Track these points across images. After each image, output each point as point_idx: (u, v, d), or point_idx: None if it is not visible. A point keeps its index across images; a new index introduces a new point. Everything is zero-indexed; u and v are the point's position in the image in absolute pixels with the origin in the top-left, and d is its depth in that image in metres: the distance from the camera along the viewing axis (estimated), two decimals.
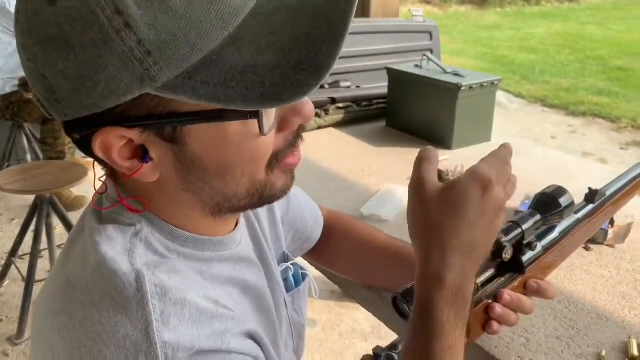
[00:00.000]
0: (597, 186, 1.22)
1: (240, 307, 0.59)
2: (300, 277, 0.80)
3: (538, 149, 1.64)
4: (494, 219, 0.56)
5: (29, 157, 3.46)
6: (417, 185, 0.57)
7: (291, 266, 0.79)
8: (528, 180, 1.38)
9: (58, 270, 0.56)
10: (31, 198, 2.48)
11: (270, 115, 0.50)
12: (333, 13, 0.45)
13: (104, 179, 0.58)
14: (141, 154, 0.50)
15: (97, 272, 0.49)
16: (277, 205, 0.81)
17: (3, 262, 2.58)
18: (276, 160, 0.55)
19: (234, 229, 0.63)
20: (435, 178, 0.57)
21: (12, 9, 2.97)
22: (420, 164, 0.58)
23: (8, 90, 3.06)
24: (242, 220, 0.66)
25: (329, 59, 0.44)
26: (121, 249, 0.51)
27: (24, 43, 0.47)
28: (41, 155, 3.32)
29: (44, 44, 0.45)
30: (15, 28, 0.48)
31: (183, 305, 0.48)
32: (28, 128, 3.39)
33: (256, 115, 0.48)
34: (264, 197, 0.57)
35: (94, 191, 0.58)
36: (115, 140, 0.49)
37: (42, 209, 2.38)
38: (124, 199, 0.55)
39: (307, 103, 0.53)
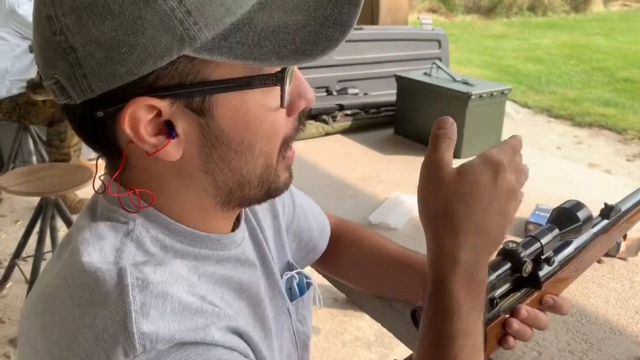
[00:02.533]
0: (607, 198, 1.21)
1: (231, 309, 0.58)
2: (305, 286, 0.79)
3: (545, 159, 1.63)
4: (506, 203, 0.55)
5: (34, 159, 3.46)
6: (433, 167, 0.56)
7: (296, 275, 0.78)
8: (537, 191, 1.37)
9: (46, 273, 0.55)
10: (36, 200, 2.48)
11: (287, 91, 0.52)
12: None
13: (103, 177, 0.56)
14: (167, 130, 0.50)
15: (81, 270, 0.49)
16: (282, 213, 0.80)
17: (6, 264, 2.58)
18: (286, 145, 0.56)
19: (234, 231, 0.62)
20: (451, 160, 0.56)
21: (21, 11, 2.99)
22: (437, 142, 0.56)
23: (15, 92, 3.07)
24: (243, 225, 0.65)
25: (352, 15, 0.48)
26: (109, 247, 0.50)
27: (52, 14, 0.45)
28: (47, 158, 3.32)
29: (79, 11, 0.44)
30: (39, 1, 0.47)
31: (165, 298, 0.47)
32: (34, 130, 3.39)
33: (281, 81, 0.50)
34: (271, 188, 0.57)
35: (94, 191, 0.57)
36: (143, 113, 0.48)
37: (46, 211, 2.38)
38: (129, 192, 0.53)
39: (309, 87, 0.56)
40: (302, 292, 0.78)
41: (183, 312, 0.48)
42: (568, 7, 12.32)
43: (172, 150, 0.50)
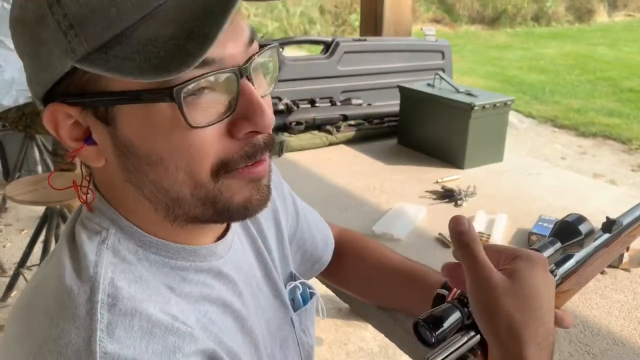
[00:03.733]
0: (611, 209, 1.21)
1: (214, 325, 0.57)
2: (308, 296, 0.79)
3: (550, 170, 1.63)
4: (553, 297, 0.57)
5: (40, 168, 3.48)
6: (482, 282, 0.54)
7: (299, 285, 0.78)
8: (540, 202, 1.38)
9: (31, 280, 0.57)
10: (41, 209, 2.49)
11: (207, 108, 0.49)
12: None
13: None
14: (85, 137, 0.53)
15: (58, 280, 0.50)
16: (285, 224, 0.80)
17: (11, 273, 2.59)
18: (225, 168, 0.52)
19: (216, 241, 0.61)
20: (490, 262, 0.55)
21: None
22: (470, 252, 0.55)
23: (21, 101, 3.09)
24: (229, 237, 0.63)
25: (215, 28, 0.44)
26: (86, 260, 0.51)
27: (11, 31, 0.53)
28: (52, 167, 3.34)
29: (14, 27, 0.52)
30: None
31: (133, 316, 0.48)
32: (40, 139, 3.41)
33: (172, 99, 0.47)
34: (218, 208, 0.54)
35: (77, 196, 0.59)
36: (62, 118, 0.52)
37: (51, 220, 2.39)
38: (75, 187, 0.57)
39: (263, 112, 0.51)
40: (305, 303, 0.78)
41: (152, 331, 0.48)
42: (572, 17, 12.34)
43: (92, 156, 0.54)
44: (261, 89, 0.54)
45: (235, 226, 0.67)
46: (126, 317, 0.47)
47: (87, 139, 0.52)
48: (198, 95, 0.49)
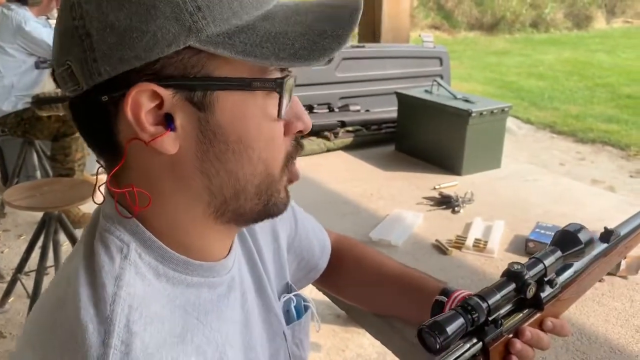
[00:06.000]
0: (608, 216, 1.21)
1: (234, 345, 0.58)
2: (302, 309, 0.78)
3: (547, 176, 1.63)
4: None
5: (38, 173, 3.47)
6: None
7: (293, 297, 0.77)
8: (538, 209, 1.38)
9: (46, 298, 0.55)
10: (39, 214, 2.49)
11: (286, 105, 0.54)
12: None
13: (103, 188, 0.57)
14: (166, 123, 0.51)
15: (74, 315, 0.49)
16: (283, 232, 0.80)
17: (9, 278, 2.58)
18: (288, 161, 0.58)
19: (227, 256, 0.62)
20: None
21: (27, 28, 3.03)
22: None
23: (20, 107, 3.10)
24: (235, 249, 0.64)
25: (348, 31, 0.52)
26: (104, 291, 0.50)
27: (75, 2, 0.50)
28: (51, 172, 3.34)
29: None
30: None
31: None
32: (39, 145, 3.41)
33: (280, 87, 0.52)
34: (270, 202, 0.58)
35: (94, 204, 0.58)
36: (146, 100, 0.50)
37: (49, 226, 2.39)
38: (126, 190, 0.53)
39: (306, 113, 0.59)
40: (299, 315, 0.77)
41: None
42: (570, 23, 12.39)
43: (169, 143, 0.51)
44: None
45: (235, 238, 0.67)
46: None
47: (169, 123, 0.51)
48: (286, 92, 0.54)
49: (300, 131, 0.59)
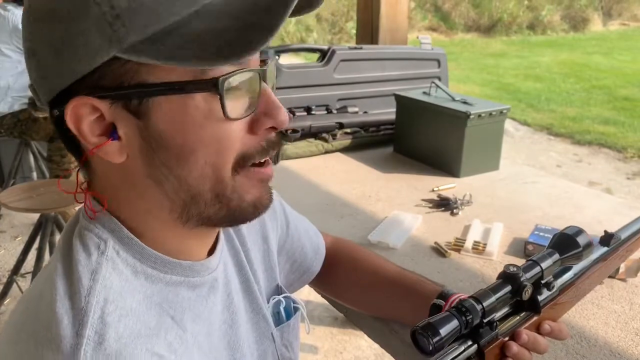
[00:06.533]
0: (606, 218, 1.20)
1: (200, 350, 0.57)
2: (292, 311, 0.78)
3: (546, 179, 1.63)
4: None
5: (35, 175, 3.46)
6: None
7: (283, 299, 0.77)
8: (536, 211, 1.37)
9: (25, 295, 0.56)
10: (35, 216, 2.48)
11: (237, 103, 0.52)
12: None
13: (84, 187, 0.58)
14: (111, 132, 0.52)
15: (49, 308, 0.49)
16: (274, 234, 0.79)
17: (5, 280, 2.57)
18: (243, 162, 0.55)
19: (208, 257, 0.61)
20: None
21: None
22: None
23: (17, 108, 3.08)
24: (219, 251, 0.63)
25: (277, 21, 0.48)
26: (80, 284, 0.50)
27: (25, 24, 0.52)
28: (47, 174, 3.32)
29: (39, 20, 0.51)
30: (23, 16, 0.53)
31: (116, 358, 0.47)
32: (35, 146, 3.40)
33: (216, 89, 0.50)
34: (232, 207, 0.55)
35: (75, 202, 0.59)
36: (86, 112, 0.51)
37: (46, 227, 2.38)
38: (86, 193, 0.56)
39: (281, 109, 0.55)
40: (289, 317, 0.77)
41: None
42: (567, 26, 12.42)
43: (114, 152, 0.52)
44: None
45: (221, 238, 0.66)
46: (109, 358, 0.47)
47: (112, 133, 0.52)
48: (232, 90, 0.51)
49: (273, 128, 0.56)
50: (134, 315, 0.51)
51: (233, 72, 0.51)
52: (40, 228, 2.39)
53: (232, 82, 0.51)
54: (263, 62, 0.57)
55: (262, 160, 0.57)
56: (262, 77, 0.54)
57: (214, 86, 0.50)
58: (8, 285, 2.49)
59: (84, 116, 0.51)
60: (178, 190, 0.53)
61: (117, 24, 0.48)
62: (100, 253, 0.53)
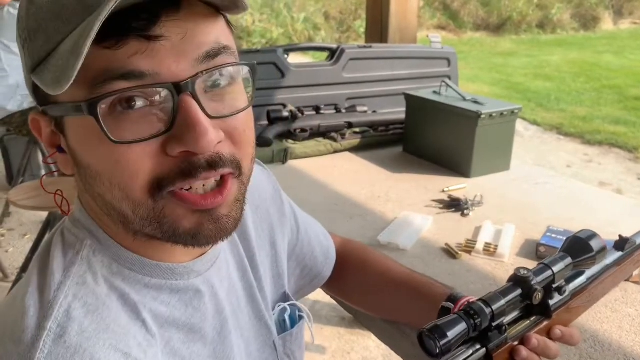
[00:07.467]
0: (618, 220, 1.19)
1: (176, 356, 0.56)
2: (297, 319, 0.76)
3: (557, 179, 1.61)
4: None
5: (43, 173, 3.47)
6: None
7: (288, 307, 0.75)
8: (548, 212, 1.36)
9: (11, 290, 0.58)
10: (44, 214, 2.48)
11: (133, 124, 0.47)
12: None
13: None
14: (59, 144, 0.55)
15: (21, 299, 0.50)
16: (283, 240, 0.78)
17: (13, 278, 2.58)
18: (160, 186, 0.49)
19: (194, 259, 0.59)
20: None
21: None
22: None
23: (26, 106, 3.10)
24: (210, 254, 0.61)
25: (83, 46, 0.43)
26: (52, 278, 0.51)
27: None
28: (56, 172, 3.33)
29: (23, 43, 0.52)
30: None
31: (75, 352, 0.46)
32: (44, 144, 3.41)
33: (89, 111, 0.46)
34: (165, 230, 0.51)
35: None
36: (43, 124, 0.54)
37: (54, 226, 2.37)
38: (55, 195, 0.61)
39: (198, 134, 0.47)
40: (294, 325, 0.75)
41: None
42: (577, 24, 12.33)
43: (63, 163, 0.55)
44: (215, 108, 0.50)
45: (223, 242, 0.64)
46: (68, 351, 0.46)
47: (58, 146, 0.54)
48: (127, 109, 0.46)
49: (190, 152, 0.48)
50: (104, 312, 0.50)
51: (118, 90, 0.45)
52: (48, 226, 2.40)
53: (117, 102, 0.46)
54: (199, 72, 0.48)
55: (189, 187, 0.50)
56: (182, 90, 0.47)
57: (87, 109, 0.46)
58: (16, 283, 2.50)
59: (42, 128, 0.54)
60: (107, 207, 0.52)
61: (25, 47, 0.50)
62: (76, 252, 0.54)
